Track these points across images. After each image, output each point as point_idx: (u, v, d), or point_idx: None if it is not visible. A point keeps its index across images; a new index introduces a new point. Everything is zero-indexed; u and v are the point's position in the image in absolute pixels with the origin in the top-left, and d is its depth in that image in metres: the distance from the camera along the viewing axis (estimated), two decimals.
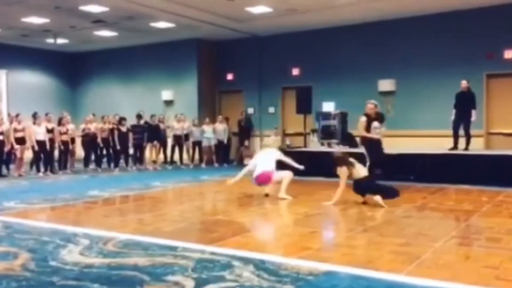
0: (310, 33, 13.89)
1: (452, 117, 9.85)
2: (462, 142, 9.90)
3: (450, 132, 9.99)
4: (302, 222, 5.87)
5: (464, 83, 9.78)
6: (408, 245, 4.64)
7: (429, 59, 12.23)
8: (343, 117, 11.86)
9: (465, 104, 9.65)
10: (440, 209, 6.71)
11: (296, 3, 11.35)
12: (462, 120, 9.74)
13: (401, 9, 11.78)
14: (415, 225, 5.86)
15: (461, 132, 9.91)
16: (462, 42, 11.85)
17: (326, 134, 11.82)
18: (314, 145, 12.28)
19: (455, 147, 9.84)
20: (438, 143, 10.66)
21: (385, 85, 12.83)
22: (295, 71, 14.40)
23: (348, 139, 11.75)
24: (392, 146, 11.02)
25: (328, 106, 12.40)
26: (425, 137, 10.74)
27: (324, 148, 11.43)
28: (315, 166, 10.24)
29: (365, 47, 13.14)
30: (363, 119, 8.34)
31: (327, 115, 11.96)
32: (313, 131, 12.55)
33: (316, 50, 13.91)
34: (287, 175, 7.84)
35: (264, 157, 8.04)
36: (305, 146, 12.49)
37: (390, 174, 9.05)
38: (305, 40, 14.08)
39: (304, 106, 12.19)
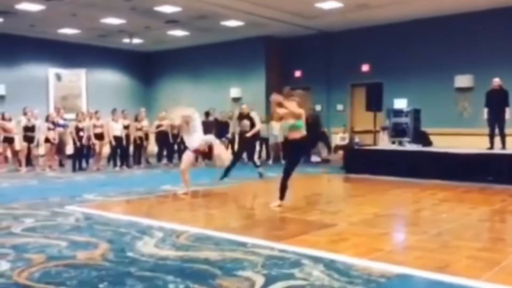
0: (381, 28, 13.51)
1: (485, 116, 9.75)
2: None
3: None
4: (373, 223, 5.73)
5: (496, 81, 9.59)
6: (487, 250, 4.42)
7: (510, 54, 11.50)
8: (416, 114, 11.44)
9: (498, 103, 9.49)
10: None
11: None
12: (496, 120, 9.58)
13: (479, 1, 11.16)
14: (494, 229, 5.56)
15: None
16: None
17: (397, 132, 11.47)
18: (384, 143, 11.96)
19: (491, 147, 9.65)
20: None
21: (462, 81, 12.25)
22: (365, 67, 14.08)
23: (421, 138, 11.32)
24: (469, 145, 10.51)
25: (400, 103, 12.03)
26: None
27: (395, 147, 11.11)
28: (385, 165, 10.00)
29: (441, 41, 12.59)
30: None
31: (398, 112, 11.59)
32: (383, 128, 12.22)
33: (387, 46, 13.52)
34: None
35: None
36: (374, 144, 12.20)
37: (467, 175, 8.66)
38: (376, 36, 13.71)
39: (375, 103, 11.89)
